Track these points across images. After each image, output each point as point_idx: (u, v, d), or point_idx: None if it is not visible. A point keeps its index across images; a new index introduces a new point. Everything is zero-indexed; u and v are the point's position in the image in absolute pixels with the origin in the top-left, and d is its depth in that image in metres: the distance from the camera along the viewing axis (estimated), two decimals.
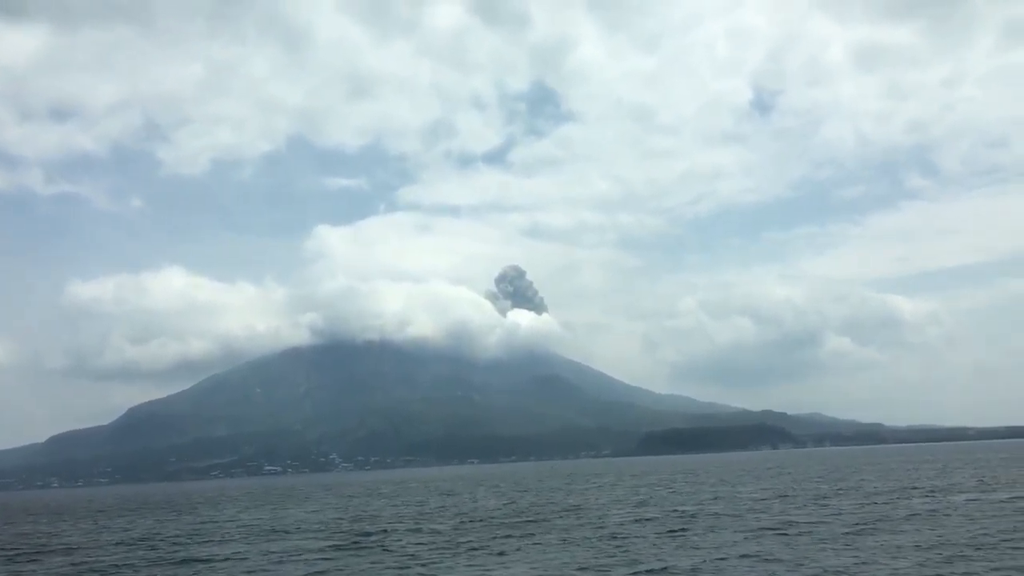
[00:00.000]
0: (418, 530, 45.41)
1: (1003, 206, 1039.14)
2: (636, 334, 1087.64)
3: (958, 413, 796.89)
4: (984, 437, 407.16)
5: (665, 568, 27.29)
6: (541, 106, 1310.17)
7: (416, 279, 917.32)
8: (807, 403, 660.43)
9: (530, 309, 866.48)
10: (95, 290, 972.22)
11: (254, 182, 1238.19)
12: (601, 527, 40.94)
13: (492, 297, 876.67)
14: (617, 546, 33.30)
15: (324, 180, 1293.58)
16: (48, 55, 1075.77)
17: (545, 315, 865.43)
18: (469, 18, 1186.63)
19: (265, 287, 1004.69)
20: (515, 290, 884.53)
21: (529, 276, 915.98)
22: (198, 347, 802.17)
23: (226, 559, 36.59)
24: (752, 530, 36.12)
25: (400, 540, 40.77)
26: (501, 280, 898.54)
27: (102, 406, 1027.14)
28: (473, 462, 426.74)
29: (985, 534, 31.27)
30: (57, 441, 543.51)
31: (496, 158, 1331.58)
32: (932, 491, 55.86)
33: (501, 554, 33.00)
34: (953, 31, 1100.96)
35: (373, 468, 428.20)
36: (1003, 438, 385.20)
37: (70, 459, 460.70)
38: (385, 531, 45.76)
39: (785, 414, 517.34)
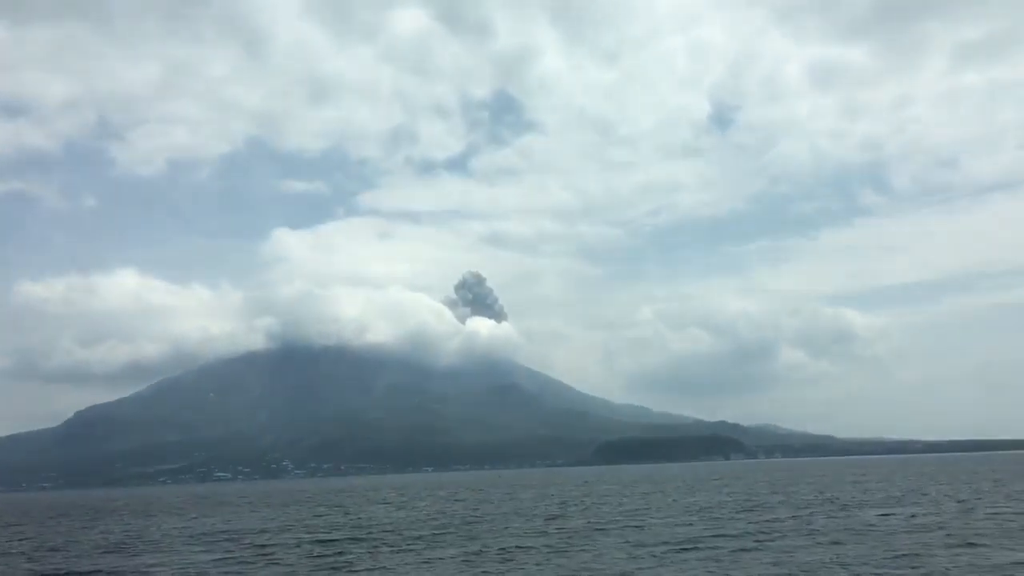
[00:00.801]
0: (320, 541, 43.83)
1: (951, 225, 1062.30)
2: (595, 343, 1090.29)
3: (906, 426, 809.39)
4: (930, 450, 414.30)
5: None
6: (503, 115, 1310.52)
7: (375, 285, 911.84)
8: (761, 415, 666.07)
9: (490, 317, 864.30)
10: (44, 290, 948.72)
11: (211, 184, 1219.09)
12: (495, 540, 39.67)
13: (451, 304, 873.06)
14: (501, 562, 32.10)
15: (283, 183, 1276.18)
16: None
17: (505, 323, 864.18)
18: (432, 25, 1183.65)
19: (220, 290, 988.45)
20: (475, 297, 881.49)
21: (489, 283, 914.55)
22: (150, 350, 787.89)
23: (93, 572, 34.70)
24: (646, 545, 35.11)
25: (293, 552, 39.23)
26: (461, 287, 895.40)
27: (49, 409, 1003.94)
28: (428, 470, 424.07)
29: (871, 554, 30.58)
30: (0, 444, 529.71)
31: (457, 165, 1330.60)
32: (850, 505, 55.43)
33: (381, 568, 31.68)
34: (905, 52, 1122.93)
35: (326, 475, 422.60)
36: (946, 451, 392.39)
37: (13, 463, 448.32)
38: (284, 544, 44.06)
39: (739, 425, 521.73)
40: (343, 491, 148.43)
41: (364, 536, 45.90)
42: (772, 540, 35.17)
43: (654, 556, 31.55)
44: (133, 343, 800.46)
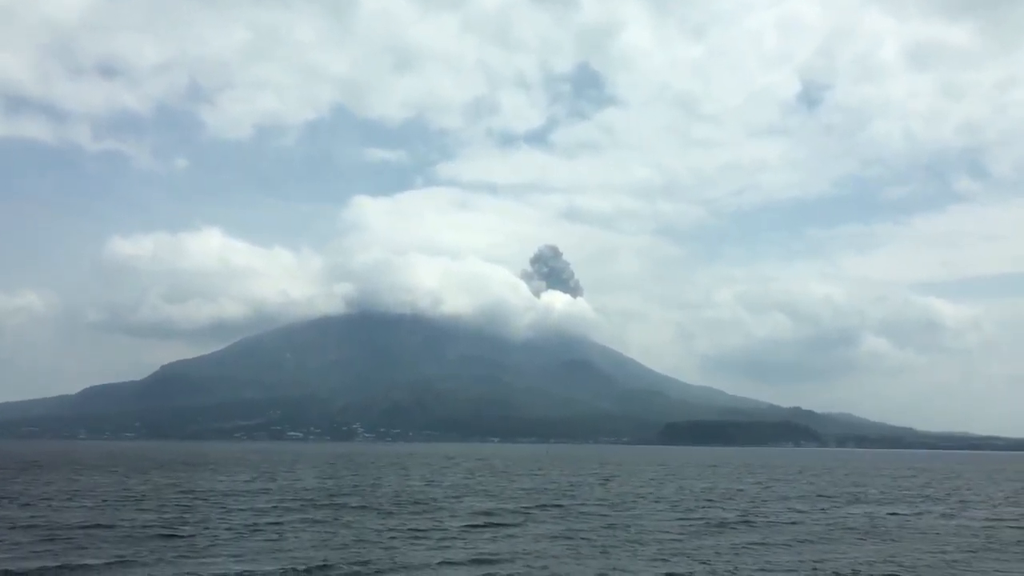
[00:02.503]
0: (265, 508, 43.72)
1: None
2: (671, 323, 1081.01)
3: (992, 422, 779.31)
4: (1013, 448, 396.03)
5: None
6: (585, 89, 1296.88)
7: (452, 255, 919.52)
8: (839, 403, 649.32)
9: (565, 291, 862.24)
10: (134, 247, 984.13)
11: (295, 149, 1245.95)
12: (418, 518, 38.75)
13: (527, 277, 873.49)
14: (395, 537, 31.12)
15: (365, 151, 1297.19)
16: (97, 12, 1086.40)
17: (580, 299, 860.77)
18: None
19: (302, 254, 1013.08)
20: (550, 271, 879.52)
21: (566, 257, 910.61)
22: (232, 310, 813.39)
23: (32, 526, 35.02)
24: (576, 530, 33.66)
25: (228, 516, 39.02)
26: (536, 260, 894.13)
27: (136, 362, 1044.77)
28: (494, 441, 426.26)
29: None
30: (89, 393, 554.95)
31: (537, 138, 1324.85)
32: (853, 501, 52.54)
33: (272, 539, 31.05)
34: (1010, 32, 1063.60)
35: (394, 440, 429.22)
36: None
37: (100, 412, 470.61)
38: (232, 507, 44.09)
39: (813, 412, 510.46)
40: (391, 456, 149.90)
41: (324, 503, 45.48)
42: (696, 537, 33.11)
43: (572, 538, 30.06)
44: (216, 302, 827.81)
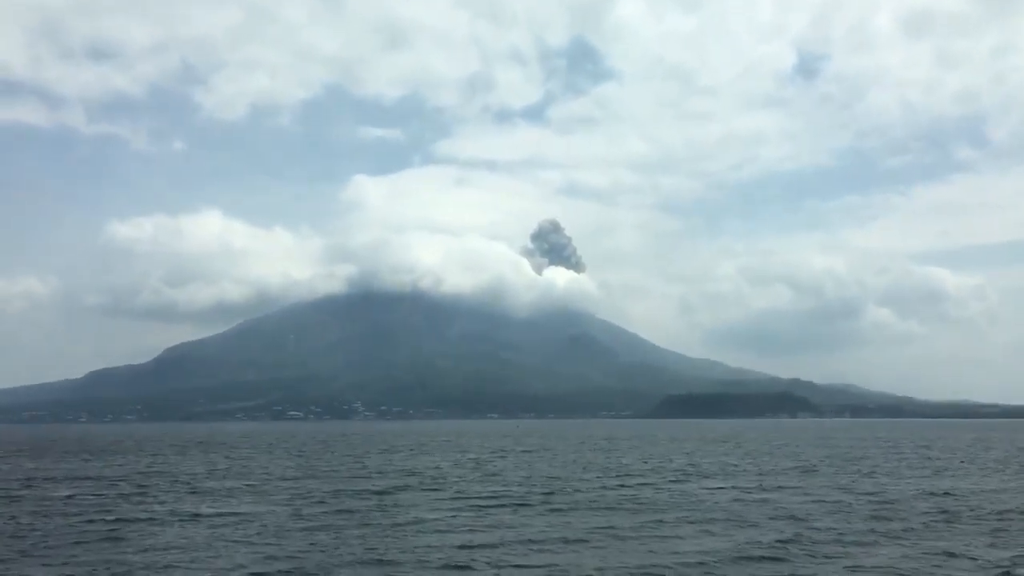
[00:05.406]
0: (196, 491, 45.66)
1: None
2: (672, 297, 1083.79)
3: (993, 390, 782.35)
4: (1007, 415, 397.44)
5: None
6: (581, 63, 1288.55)
7: (452, 233, 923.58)
8: (840, 374, 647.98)
9: (568, 268, 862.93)
10: (134, 230, 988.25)
11: (291, 129, 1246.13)
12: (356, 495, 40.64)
13: (528, 253, 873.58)
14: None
15: (361, 130, 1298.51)
16: None
17: (582, 275, 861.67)
18: None
19: (301, 235, 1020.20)
20: (551, 247, 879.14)
21: (567, 232, 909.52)
22: (234, 292, 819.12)
23: None
24: (445, 502, 35.47)
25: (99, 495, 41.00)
26: (537, 236, 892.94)
27: (140, 345, 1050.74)
28: (493, 417, 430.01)
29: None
30: (93, 377, 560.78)
31: (534, 114, 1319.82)
32: (704, 476, 54.25)
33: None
34: None
35: (395, 418, 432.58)
36: None
37: (103, 395, 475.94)
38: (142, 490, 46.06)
39: (813, 383, 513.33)
40: (369, 435, 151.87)
41: (249, 484, 47.46)
42: (566, 507, 34.91)
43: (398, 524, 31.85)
44: (217, 285, 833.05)
